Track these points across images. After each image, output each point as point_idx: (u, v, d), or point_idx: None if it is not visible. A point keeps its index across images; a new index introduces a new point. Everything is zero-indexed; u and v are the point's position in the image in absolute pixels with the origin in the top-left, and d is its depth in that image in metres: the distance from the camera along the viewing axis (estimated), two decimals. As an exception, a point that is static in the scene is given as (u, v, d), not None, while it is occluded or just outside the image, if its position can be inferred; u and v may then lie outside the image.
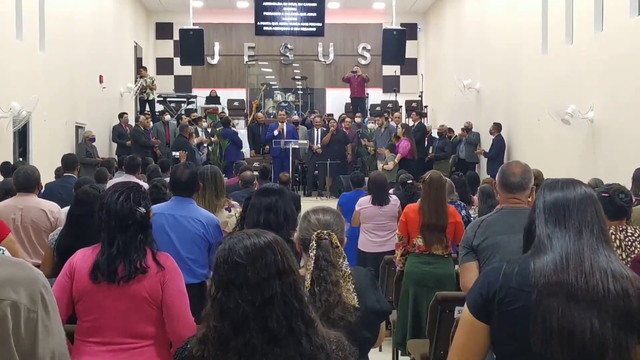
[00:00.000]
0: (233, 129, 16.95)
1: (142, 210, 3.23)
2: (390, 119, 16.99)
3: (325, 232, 2.68)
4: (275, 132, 15.87)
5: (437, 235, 6.02)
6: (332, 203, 13.07)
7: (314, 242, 2.65)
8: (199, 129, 16.72)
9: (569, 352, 2.13)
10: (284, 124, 16.05)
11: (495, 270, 2.33)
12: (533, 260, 2.27)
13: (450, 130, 16.64)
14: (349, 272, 2.66)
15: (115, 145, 16.96)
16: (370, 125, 17.35)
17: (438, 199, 6.03)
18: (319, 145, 15.90)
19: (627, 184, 6.50)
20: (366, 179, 10.19)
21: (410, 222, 6.18)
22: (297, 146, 15.70)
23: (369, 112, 20.26)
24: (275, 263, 2.02)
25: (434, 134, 17.28)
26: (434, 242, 6.03)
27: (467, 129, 16.02)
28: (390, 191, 9.24)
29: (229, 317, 1.98)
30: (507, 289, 2.23)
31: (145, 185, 6.13)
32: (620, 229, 4.20)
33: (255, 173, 9.32)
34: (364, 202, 8.00)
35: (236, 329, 1.97)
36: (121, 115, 16.66)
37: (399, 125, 15.65)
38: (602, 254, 2.20)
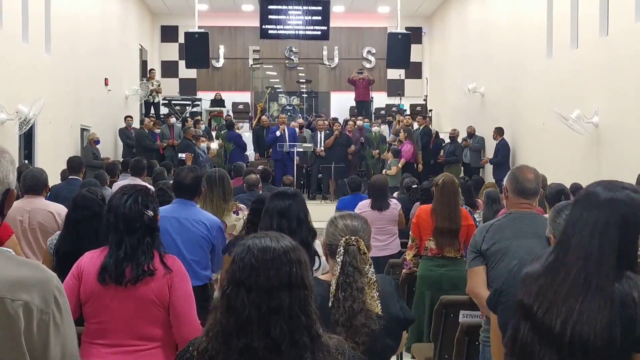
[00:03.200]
0: (237, 131, 16.96)
1: (150, 213, 3.24)
2: (396, 123, 17.00)
3: (353, 238, 2.68)
4: (278, 133, 15.88)
5: (450, 238, 5.96)
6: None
7: (341, 247, 2.65)
8: (198, 132, 16.75)
9: None
10: (285, 127, 16.04)
11: (510, 268, 2.42)
12: (528, 267, 2.30)
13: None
14: (374, 279, 2.66)
15: (120, 147, 17.05)
16: (374, 129, 17.32)
17: (451, 202, 5.96)
18: (322, 148, 15.90)
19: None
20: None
21: (422, 224, 6.13)
22: (301, 149, 15.70)
23: (373, 115, 20.26)
24: (288, 274, 2.00)
25: (443, 137, 17.18)
26: (446, 245, 5.98)
27: (470, 134, 15.98)
28: (395, 194, 9.25)
29: (234, 314, 1.97)
30: (507, 284, 2.34)
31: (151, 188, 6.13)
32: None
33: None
34: (363, 206, 7.98)
35: (239, 329, 1.96)
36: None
37: (401, 129, 15.62)
38: (599, 296, 2.05)
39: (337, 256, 2.66)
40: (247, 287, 1.97)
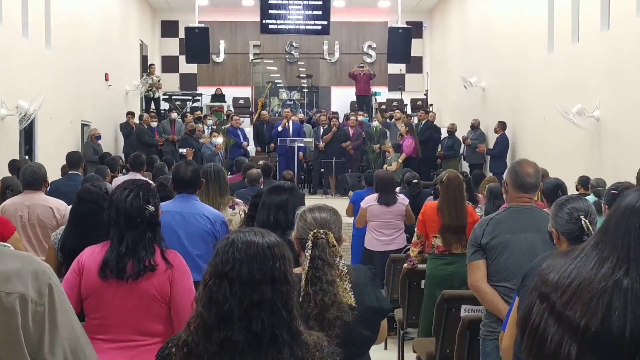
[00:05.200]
0: (240, 127, 16.89)
1: (151, 208, 3.24)
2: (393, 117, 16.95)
3: (322, 231, 2.66)
4: (280, 128, 15.87)
5: (457, 235, 5.91)
6: (338, 201, 13.10)
7: (310, 241, 2.64)
8: (205, 127, 16.72)
9: (536, 356, 2.11)
10: (290, 121, 16.04)
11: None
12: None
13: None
14: (346, 271, 2.65)
15: (121, 143, 17.07)
16: (374, 124, 17.28)
17: (457, 199, 5.92)
18: (323, 143, 15.90)
19: (633, 183, 6.49)
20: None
21: (428, 221, 6.10)
22: (302, 144, 15.70)
23: (374, 110, 20.22)
24: (271, 269, 2.00)
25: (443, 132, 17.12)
26: (453, 242, 5.94)
27: (474, 126, 15.94)
28: (397, 189, 9.24)
29: (215, 307, 1.97)
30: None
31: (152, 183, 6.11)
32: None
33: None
34: (370, 200, 7.98)
35: (220, 322, 1.96)
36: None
37: (403, 124, 15.59)
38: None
39: (306, 250, 2.64)
40: (230, 279, 1.97)
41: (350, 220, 9.69)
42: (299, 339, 2.02)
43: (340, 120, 17.11)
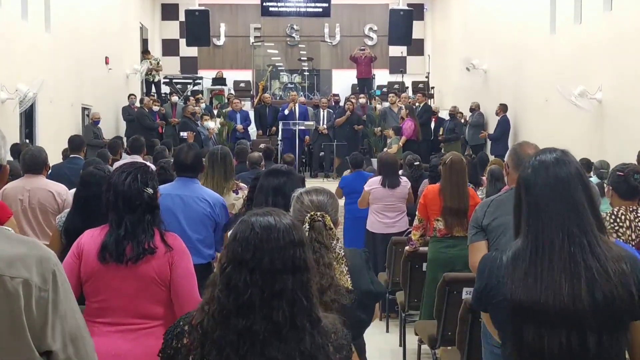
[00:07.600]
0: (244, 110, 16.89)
1: (150, 190, 3.21)
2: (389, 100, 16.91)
3: (319, 214, 2.65)
4: (286, 112, 15.84)
5: (459, 218, 5.90)
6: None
7: (307, 224, 2.62)
8: (194, 109, 16.66)
9: None
10: (296, 104, 16.00)
11: (485, 261, 2.38)
12: (509, 264, 2.27)
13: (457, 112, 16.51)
14: (343, 254, 2.64)
15: (122, 126, 17.04)
16: (378, 107, 17.23)
17: (459, 182, 5.91)
18: (325, 126, 15.86)
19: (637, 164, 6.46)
20: (373, 160, 10.19)
21: (429, 205, 6.10)
22: (303, 127, 15.67)
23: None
24: (292, 258, 1.97)
25: (443, 115, 17.06)
26: (455, 224, 5.92)
27: (473, 109, 15.89)
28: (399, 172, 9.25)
29: (234, 293, 1.94)
30: (491, 284, 2.28)
31: (152, 167, 6.09)
32: (631, 209, 4.19)
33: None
34: (373, 182, 7.99)
35: (240, 309, 1.93)
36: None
37: (403, 107, 15.54)
38: (587, 258, 2.14)
39: None
40: (250, 268, 1.94)
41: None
42: (319, 326, 2.00)
43: (342, 104, 17.04)
